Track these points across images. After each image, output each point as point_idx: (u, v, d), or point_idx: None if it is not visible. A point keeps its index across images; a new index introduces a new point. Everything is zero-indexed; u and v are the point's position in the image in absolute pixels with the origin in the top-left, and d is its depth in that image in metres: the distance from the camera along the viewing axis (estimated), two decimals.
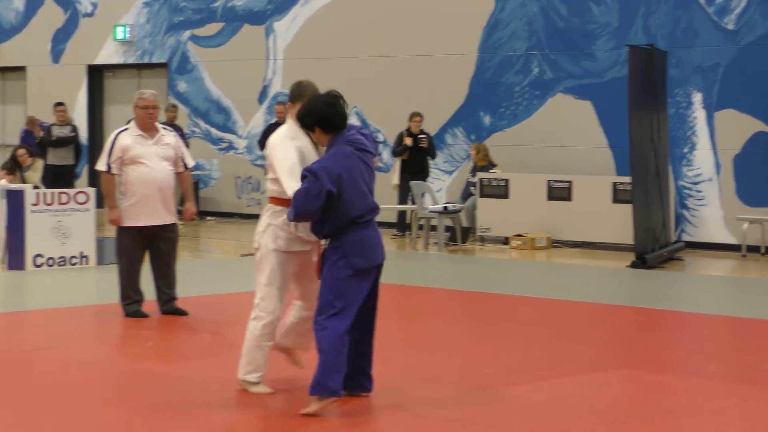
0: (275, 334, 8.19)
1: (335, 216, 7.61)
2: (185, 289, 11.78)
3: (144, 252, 11.32)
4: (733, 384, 8.80)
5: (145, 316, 11.19)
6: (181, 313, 11.30)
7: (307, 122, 7.91)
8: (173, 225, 11.36)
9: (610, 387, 8.77)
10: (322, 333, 7.60)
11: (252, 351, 8.14)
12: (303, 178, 7.64)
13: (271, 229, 8.05)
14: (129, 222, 11.08)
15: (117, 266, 11.42)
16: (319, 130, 7.85)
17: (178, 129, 22.05)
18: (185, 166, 11.38)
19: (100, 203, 21.13)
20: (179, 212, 11.83)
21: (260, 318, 8.12)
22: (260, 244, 8.13)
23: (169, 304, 11.33)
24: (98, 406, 7.96)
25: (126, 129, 11.13)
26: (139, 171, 10.95)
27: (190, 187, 11.89)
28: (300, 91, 8.30)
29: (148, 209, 11.02)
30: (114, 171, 11.00)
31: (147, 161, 10.97)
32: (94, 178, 23.88)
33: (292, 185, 7.67)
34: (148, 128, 11.08)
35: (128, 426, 7.44)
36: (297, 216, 7.59)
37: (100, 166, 11.10)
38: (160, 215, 11.12)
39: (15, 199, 15.24)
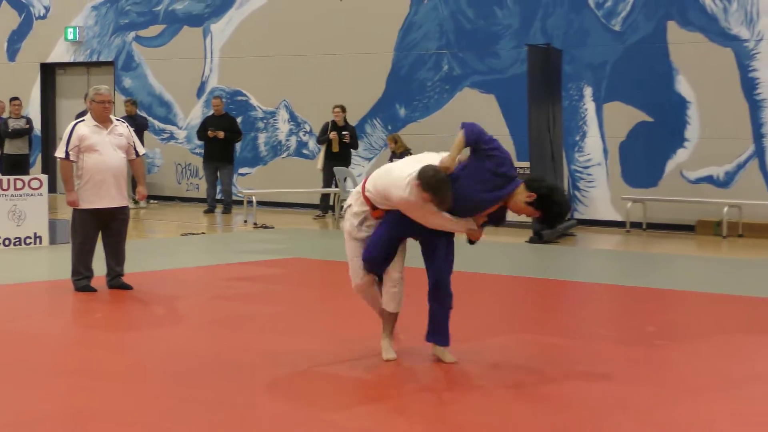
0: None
1: None
2: (132, 266, 11.62)
3: (97, 232, 11.19)
4: (621, 345, 8.82)
5: (93, 290, 11.06)
6: (126, 287, 11.16)
7: None
8: (125, 207, 11.24)
9: (510, 350, 8.70)
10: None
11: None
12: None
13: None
14: (84, 204, 10.95)
15: (71, 244, 11.31)
16: None
17: (142, 119, 21.93)
18: (137, 153, 11.29)
19: (52, 188, 20.95)
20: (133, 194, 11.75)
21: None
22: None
23: (116, 280, 11.21)
24: (53, 374, 7.74)
25: (83, 120, 11.08)
26: (94, 158, 10.87)
27: (142, 171, 11.79)
28: None
29: (102, 193, 10.93)
30: (72, 158, 10.90)
31: (101, 149, 10.90)
32: (47, 166, 23.68)
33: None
34: (102, 120, 11.02)
35: (85, 391, 7.23)
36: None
37: (59, 153, 11.01)
38: (113, 198, 11.03)
39: None
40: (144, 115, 22.74)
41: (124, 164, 11.14)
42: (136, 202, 19.20)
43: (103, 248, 11.28)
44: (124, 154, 11.12)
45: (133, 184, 16.11)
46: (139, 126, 20.34)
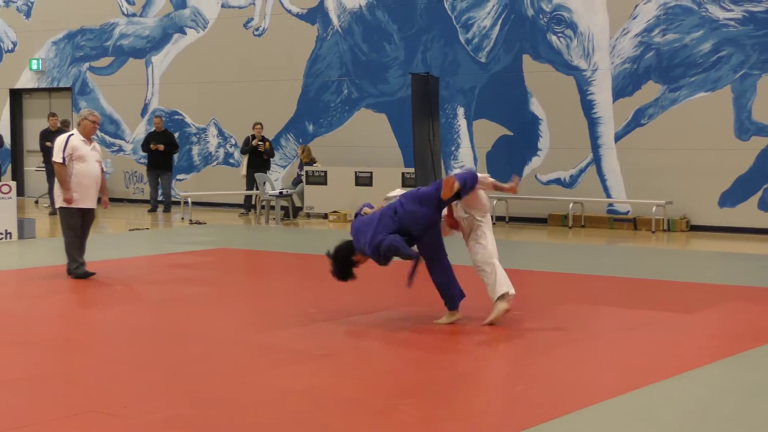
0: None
1: None
2: (91, 256, 11.51)
3: (80, 225, 11.12)
4: (484, 314, 8.81)
5: (92, 274, 11.01)
6: (89, 274, 11.05)
7: None
8: (94, 210, 11.23)
9: (397, 322, 8.84)
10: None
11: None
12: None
13: None
14: (75, 204, 10.90)
15: (64, 238, 11.14)
16: None
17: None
18: (102, 169, 11.25)
19: (20, 192, 20.64)
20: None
21: None
22: None
23: (80, 268, 11.10)
24: (14, 343, 7.63)
25: (73, 134, 11.00)
26: (82, 167, 10.86)
27: (105, 184, 11.52)
28: None
29: (85, 195, 10.93)
30: (65, 163, 10.82)
31: (88, 160, 10.91)
32: (16, 174, 23.27)
33: None
34: (88, 136, 11.02)
35: (51, 356, 7.19)
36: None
37: (57, 158, 10.85)
38: (93, 200, 11.08)
39: None
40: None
41: (100, 175, 11.11)
42: None
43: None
44: (100, 167, 11.12)
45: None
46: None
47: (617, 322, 8.76)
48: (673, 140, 17.06)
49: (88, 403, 5.93)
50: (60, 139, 11.01)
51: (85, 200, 10.97)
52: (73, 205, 10.90)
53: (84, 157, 10.89)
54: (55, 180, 11.03)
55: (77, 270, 11.00)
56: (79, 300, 9.94)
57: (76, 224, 11.01)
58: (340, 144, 20.25)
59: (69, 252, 11.06)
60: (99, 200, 11.22)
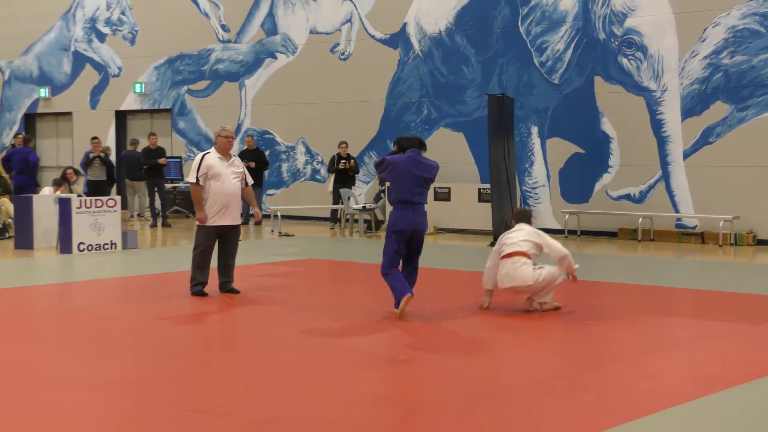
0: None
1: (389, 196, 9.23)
2: (186, 265, 11.24)
3: (214, 244, 10.51)
4: (558, 324, 8.76)
5: (205, 294, 10.36)
6: (234, 291, 10.57)
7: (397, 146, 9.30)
8: (239, 225, 10.64)
9: (475, 327, 8.82)
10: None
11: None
12: (379, 163, 9.15)
13: None
14: (209, 222, 10.35)
15: (192, 255, 10.51)
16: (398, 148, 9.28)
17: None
18: (246, 183, 10.60)
19: (124, 206, 20.99)
20: (250, 216, 11.03)
21: None
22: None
23: (225, 285, 10.60)
24: (123, 348, 7.80)
25: (209, 152, 10.45)
26: (217, 185, 10.25)
27: (252, 197, 10.90)
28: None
29: (223, 213, 10.34)
30: (201, 183, 10.28)
31: (224, 178, 10.30)
32: (119, 189, 23.67)
33: None
34: (225, 152, 10.42)
35: (148, 362, 7.27)
36: None
37: (191, 179, 10.32)
38: (234, 218, 10.44)
39: (64, 205, 15.06)
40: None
41: (239, 190, 10.48)
42: (246, 222, 19.80)
43: (217, 259, 10.62)
44: (239, 183, 10.49)
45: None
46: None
47: (688, 332, 8.59)
48: (740, 158, 16.74)
49: (187, 403, 5.99)
50: (195, 159, 10.45)
51: (223, 218, 10.36)
52: (210, 224, 10.34)
53: (219, 175, 10.28)
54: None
55: (194, 288, 10.44)
56: (176, 306, 10.01)
57: (208, 244, 10.42)
58: None
59: (192, 270, 10.50)
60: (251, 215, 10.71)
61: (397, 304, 8.93)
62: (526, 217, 9.78)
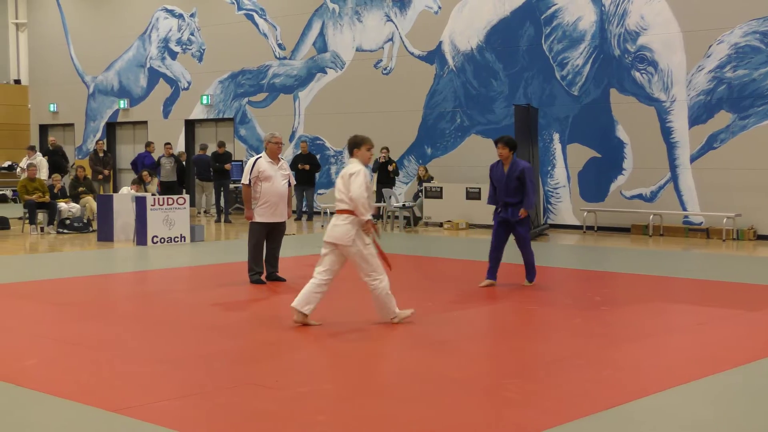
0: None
1: None
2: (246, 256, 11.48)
3: (264, 238, 10.53)
4: (576, 309, 8.72)
5: (263, 282, 10.42)
6: (281, 279, 10.63)
7: (512, 145, 9.68)
8: (284, 222, 10.65)
9: (498, 314, 8.79)
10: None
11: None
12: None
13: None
14: (260, 219, 10.38)
15: (248, 248, 10.55)
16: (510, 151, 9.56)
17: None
18: (289, 183, 10.60)
19: (192, 203, 21.18)
20: (303, 212, 10.71)
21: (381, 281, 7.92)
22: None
23: (271, 275, 10.67)
24: (189, 327, 7.85)
25: (260, 157, 10.43)
26: (267, 186, 10.29)
27: (291, 196, 10.88)
28: (356, 140, 8.54)
29: (272, 211, 10.38)
30: (251, 184, 10.30)
31: (274, 179, 10.33)
32: (188, 188, 23.86)
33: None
34: (274, 156, 10.43)
35: (213, 339, 7.33)
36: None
37: (244, 180, 10.32)
38: (282, 215, 10.49)
39: (140, 203, 15.23)
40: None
41: (287, 190, 10.52)
42: (299, 218, 20.16)
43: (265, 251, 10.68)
44: (287, 184, 10.54)
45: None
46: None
47: (691, 318, 8.52)
48: (742, 161, 16.55)
49: (246, 377, 6.05)
50: (248, 163, 10.44)
51: (273, 215, 10.38)
52: (261, 220, 10.35)
53: (270, 178, 10.27)
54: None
55: (252, 277, 10.52)
56: (235, 292, 10.09)
57: (260, 239, 10.44)
58: (453, 164, 20.23)
59: (249, 261, 10.55)
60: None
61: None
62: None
